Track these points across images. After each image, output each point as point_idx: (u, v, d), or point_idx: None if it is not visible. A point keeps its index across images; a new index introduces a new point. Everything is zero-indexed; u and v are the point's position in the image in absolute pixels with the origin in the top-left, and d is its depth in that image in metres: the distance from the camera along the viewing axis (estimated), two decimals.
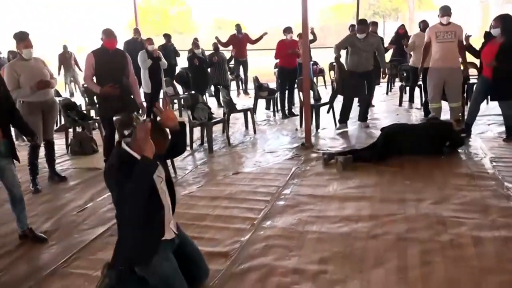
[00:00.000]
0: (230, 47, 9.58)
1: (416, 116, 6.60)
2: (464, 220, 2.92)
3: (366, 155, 4.27)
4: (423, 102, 7.33)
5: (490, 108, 6.68)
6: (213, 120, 5.40)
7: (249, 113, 6.40)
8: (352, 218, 3.08)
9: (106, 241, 3.02)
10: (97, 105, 4.43)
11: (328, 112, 6.25)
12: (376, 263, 2.48)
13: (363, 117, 6.14)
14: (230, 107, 6.02)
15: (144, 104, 5.00)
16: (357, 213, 3.17)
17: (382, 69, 6.15)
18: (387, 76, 7.72)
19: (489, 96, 5.36)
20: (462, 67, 5.30)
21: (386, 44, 8.06)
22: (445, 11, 5.18)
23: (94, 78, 4.36)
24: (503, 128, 5.10)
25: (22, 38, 3.95)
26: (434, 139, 4.32)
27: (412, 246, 2.63)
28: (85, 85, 6.28)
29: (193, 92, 6.44)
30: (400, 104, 7.64)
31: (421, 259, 2.48)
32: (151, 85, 6.80)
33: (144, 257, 2.08)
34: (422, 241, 2.68)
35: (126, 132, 4.05)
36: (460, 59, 5.22)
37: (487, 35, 4.83)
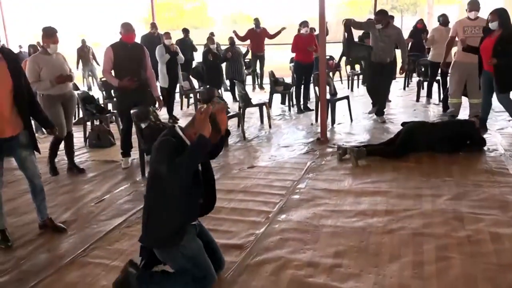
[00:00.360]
0: (247, 42, 9.58)
1: (434, 112, 6.50)
2: (482, 216, 2.87)
3: (383, 150, 4.23)
4: (441, 97, 7.24)
5: None
6: (229, 114, 5.42)
7: (264, 107, 6.41)
8: (367, 213, 3.07)
9: (123, 232, 3.08)
10: (115, 99, 4.50)
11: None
12: (391, 258, 2.47)
13: (379, 111, 6.07)
14: (246, 101, 6.03)
15: (161, 98, 5.05)
16: (373, 207, 3.15)
17: (402, 63, 5.98)
18: (405, 71, 7.64)
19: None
20: None
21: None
22: (474, 5, 5.09)
23: (113, 71, 4.43)
24: None
25: (51, 34, 4.10)
26: (456, 138, 4.25)
27: (428, 241, 2.61)
28: (103, 79, 6.39)
29: (208, 86, 6.46)
30: (418, 100, 7.53)
31: (437, 255, 2.46)
32: (168, 79, 6.86)
33: (177, 237, 2.12)
34: (438, 237, 2.66)
35: (143, 125, 4.11)
36: None
37: (486, 31, 4.71)
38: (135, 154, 4.93)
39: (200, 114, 2.02)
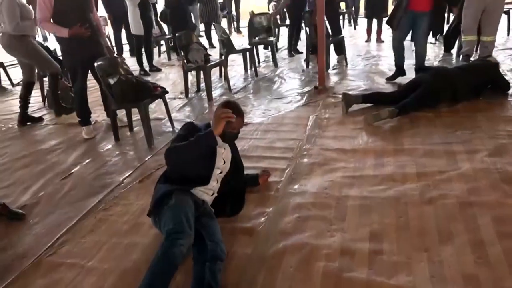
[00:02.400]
0: None
1: (434, 51, 5.95)
2: None
3: (407, 109, 3.59)
4: (438, 35, 6.68)
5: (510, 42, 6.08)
6: (211, 63, 4.69)
7: (248, 54, 5.69)
8: (396, 178, 2.56)
9: (99, 218, 2.48)
10: (64, 53, 3.59)
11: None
12: (442, 238, 1.99)
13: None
14: (229, 47, 5.28)
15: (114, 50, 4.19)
16: (401, 170, 2.65)
17: None
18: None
19: None
20: None
21: None
22: None
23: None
24: None
25: None
26: (480, 84, 3.73)
27: (481, 213, 2.14)
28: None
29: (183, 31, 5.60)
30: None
31: (498, 231, 2.00)
32: (143, 25, 5.95)
33: (166, 197, 1.99)
34: (491, 206, 2.19)
35: (112, 81, 3.37)
36: None
37: None
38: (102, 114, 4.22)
39: (220, 112, 1.98)
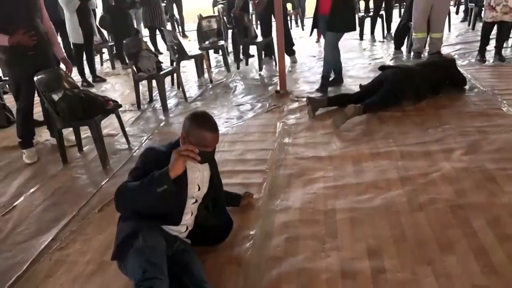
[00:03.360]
0: None
1: (387, 50, 6.05)
2: None
3: (372, 108, 3.54)
4: (385, 33, 6.84)
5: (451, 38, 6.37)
6: (164, 71, 4.38)
7: (201, 59, 5.44)
8: (380, 185, 2.45)
9: (55, 259, 2.12)
10: (5, 65, 3.11)
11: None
12: (442, 247, 1.89)
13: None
14: (180, 53, 4.99)
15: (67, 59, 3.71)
16: (383, 176, 2.55)
17: None
18: None
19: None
20: None
21: None
22: None
23: None
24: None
25: None
26: (439, 79, 3.76)
27: (474, 216, 2.08)
28: None
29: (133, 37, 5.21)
30: (361, 38, 7.06)
31: (495, 234, 1.93)
32: (82, 32, 5.46)
33: (132, 237, 1.67)
34: (481, 207, 2.14)
35: (56, 97, 2.99)
36: None
37: None
38: (45, 133, 3.77)
39: (181, 149, 1.63)
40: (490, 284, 1.67)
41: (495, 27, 4.72)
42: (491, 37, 4.86)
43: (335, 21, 4.05)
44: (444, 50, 5.31)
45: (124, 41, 4.30)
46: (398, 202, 2.26)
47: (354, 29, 4.27)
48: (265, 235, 2.12)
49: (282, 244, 2.03)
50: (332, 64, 4.34)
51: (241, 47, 6.04)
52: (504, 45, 5.04)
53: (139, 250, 1.60)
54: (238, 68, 5.84)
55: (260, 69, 5.63)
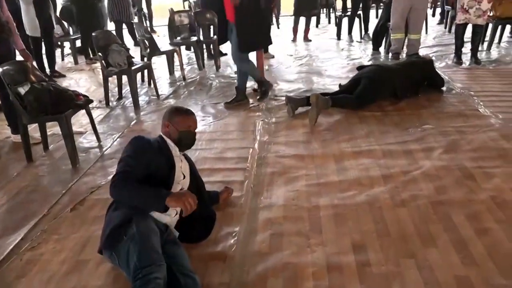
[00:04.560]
0: None
1: (364, 51, 6.30)
2: (491, 170, 2.63)
3: (347, 101, 3.76)
4: (363, 34, 7.11)
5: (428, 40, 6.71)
6: (136, 66, 4.42)
7: (173, 55, 5.50)
8: (363, 182, 2.61)
9: (26, 259, 2.14)
10: None
11: None
12: (424, 241, 2.06)
13: None
14: (152, 48, 5.03)
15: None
16: (365, 174, 2.71)
17: None
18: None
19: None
20: None
21: None
22: None
23: None
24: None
25: None
26: (417, 80, 4.00)
27: (454, 211, 2.26)
28: None
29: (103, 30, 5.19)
30: (339, 38, 7.31)
31: (474, 228, 2.12)
32: (39, 24, 5.38)
33: (124, 227, 1.77)
34: (461, 203, 2.32)
35: (22, 90, 2.99)
36: None
37: None
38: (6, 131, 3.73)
39: (189, 200, 1.76)
40: (470, 274, 1.83)
41: (469, 30, 5.04)
42: (466, 40, 5.18)
43: (238, 37, 3.96)
44: (422, 52, 5.60)
45: (93, 34, 4.29)
46: (381, 199, 2.42)
47: (260, 49, 4.24)
48: (249, 231, 2.22)
49: (267, 240, 2.14)
50: (245, 74, 4.25)
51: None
52: (480, 48, 5.40)
53: (134, 237, 1.69)
54: (217, 69, 5.83)
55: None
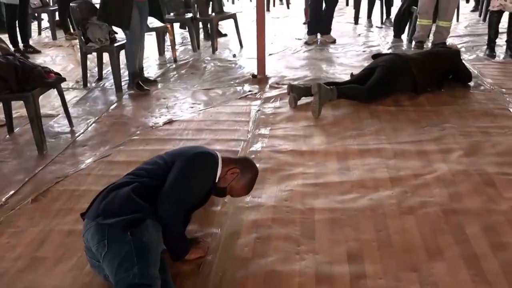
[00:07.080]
0: None
1: (384, 37, 6.28)
2: None
3: (357, 92, 3.75)
4: (384, 19, 7.09)
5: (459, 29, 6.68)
6: (119, 43, 4.42)
7: (164, 33, 5.50)
8: (367, 184, 2.60)
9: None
10: None
11: None
12: (431, 253, 2.05)
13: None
14: None
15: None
16: (370, 175, 2.70)
17: None
18: None
19: None
20: None
21: None
22: None
23: None
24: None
25: None
26: (441, 73, 3.97)
27: (468, 222, 2.25)
28: None
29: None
30: (356, 22, 7.29)
31: (490, 242, 2.11)
32: None
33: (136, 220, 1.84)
34: (477, 213, 2.31)
35: None
36: None
37: None
38: None
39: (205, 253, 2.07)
40: None
41: (505, 19, 4.99)
42: (502, 30, 5.14)
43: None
44: (450, 42, 5.58)
45: (71, 4, 4.30)
46: (386, 204, 2.42)
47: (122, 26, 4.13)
48: (232, 234, 2.22)
49: (251, 244, 2.14)
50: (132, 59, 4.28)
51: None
52: None
53: (139, 244, 1.75)
54: (213, 51, 5.84)
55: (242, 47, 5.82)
